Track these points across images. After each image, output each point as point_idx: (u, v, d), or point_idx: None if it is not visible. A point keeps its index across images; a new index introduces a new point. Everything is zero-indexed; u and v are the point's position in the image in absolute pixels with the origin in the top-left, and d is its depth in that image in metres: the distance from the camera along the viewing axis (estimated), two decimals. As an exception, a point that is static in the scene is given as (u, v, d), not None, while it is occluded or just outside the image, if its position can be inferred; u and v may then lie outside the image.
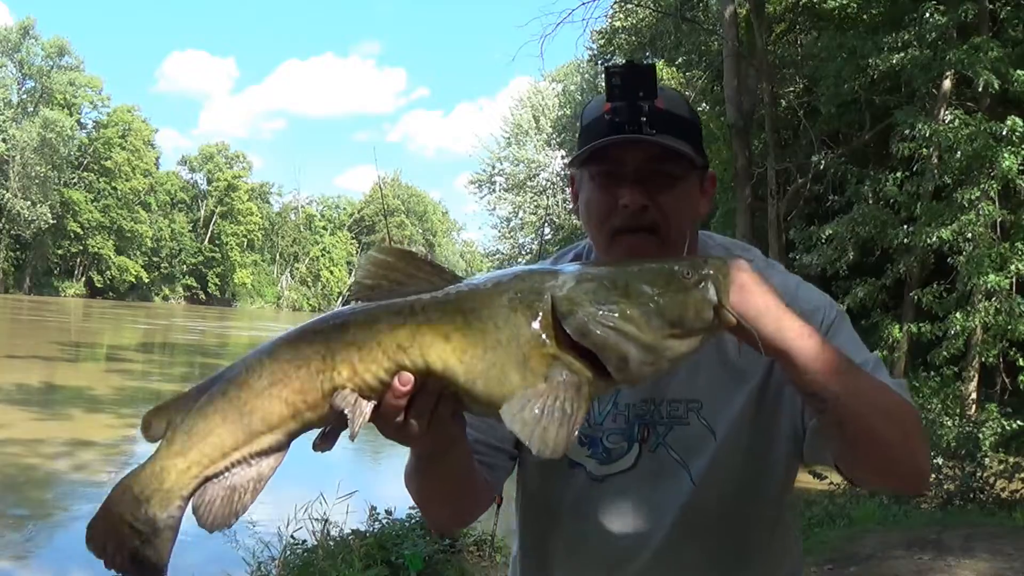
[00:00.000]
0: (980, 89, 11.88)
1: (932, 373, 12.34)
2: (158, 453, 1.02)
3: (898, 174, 12.54)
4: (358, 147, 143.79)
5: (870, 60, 13.24)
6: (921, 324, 12.46)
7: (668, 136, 1.27)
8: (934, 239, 11.69)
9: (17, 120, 61.71)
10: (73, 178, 65.43)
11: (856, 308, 12.44)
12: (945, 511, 7.98)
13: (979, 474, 8.48)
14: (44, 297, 61.12)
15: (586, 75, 35.06)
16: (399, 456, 1.31)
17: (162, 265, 74.19)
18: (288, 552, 5.77)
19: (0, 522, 7.71)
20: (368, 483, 7.97)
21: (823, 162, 14.21)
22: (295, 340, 1.02)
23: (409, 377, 0.99)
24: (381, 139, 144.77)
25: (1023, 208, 11.96)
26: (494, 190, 46.43)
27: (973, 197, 11.55)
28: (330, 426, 1.02)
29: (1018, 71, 11.56)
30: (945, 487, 8.32)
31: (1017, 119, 11.19)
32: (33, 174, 60.39)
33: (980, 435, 9.70)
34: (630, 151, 1.28)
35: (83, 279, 68.56)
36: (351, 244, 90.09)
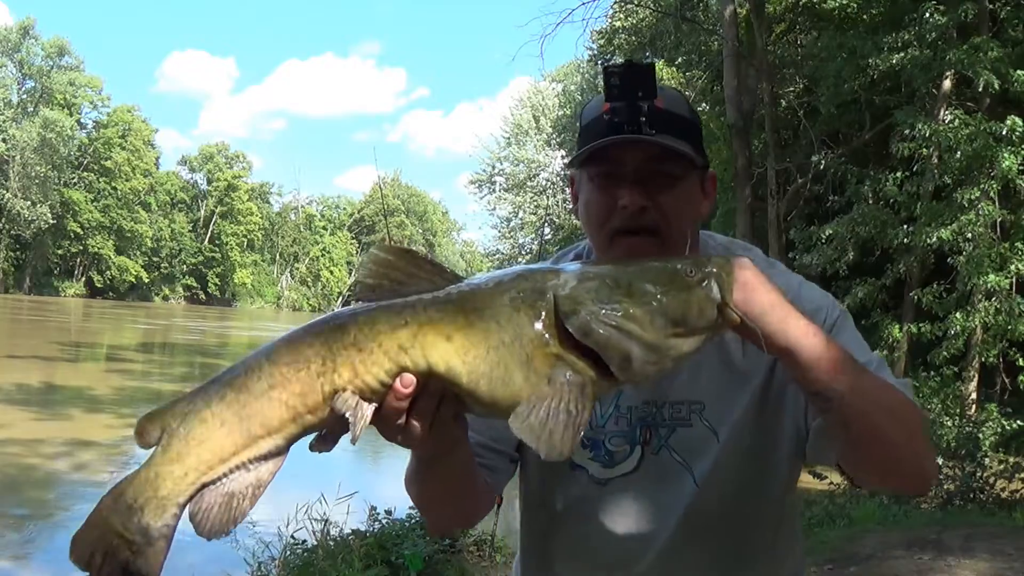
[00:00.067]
0: (980, 89, 11.88)
1: (932, 373, 12.35)
2: (153, 459, 0.99)
3: (898, 174, 12.55)
4: (358, 147, 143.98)
5: (870, 60, 13.24)
6: (921, 324, 12.46)
7: (668, 136, 1.26)
8: (934, 239, 11.69)
9: (17, 120, 61.71)
10: (73, 178, 65.42)
11: (856, 308, 12.44)
12: (945, 511, 7.98)
13: (979, 474, 8.48)
14: (44, 297, 61.11)
15: (586, 75, 35.05)
16: (399, 457, 1.31)
17: (162, 265, 74.20)
18: (288, 552, 5.78)
19: (0, 522, 7.71)
20: (368, 483, 7.97)
21: (823, 162, 14.22)
22: (295, 342, 1.00)
23: (411, 379, 0.98)
24: (381, 139, 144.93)
25: (1023, 208, 11.97)
26: (494, 190, 46.45)
27: (973, 197, 11.55)
28: (331, 429, 1.00)
29: (1018, 71, 11.56)
30: (945, 487, 8.32)
31: (1017, 119, 11.19)
32: (33, 174, 60.39)
33: (980, 435, 9.71)
34: (629, 151, 1.27)
35: (83, 279, 68.56)
36: (351, 244, 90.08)
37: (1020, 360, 12.00)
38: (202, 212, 79.43)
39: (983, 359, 12.40)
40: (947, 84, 13.04)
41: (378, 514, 6.22)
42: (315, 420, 0.99)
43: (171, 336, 36.64)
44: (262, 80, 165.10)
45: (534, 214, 43.22)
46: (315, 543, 5.84)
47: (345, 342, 0.98)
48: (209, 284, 78.55)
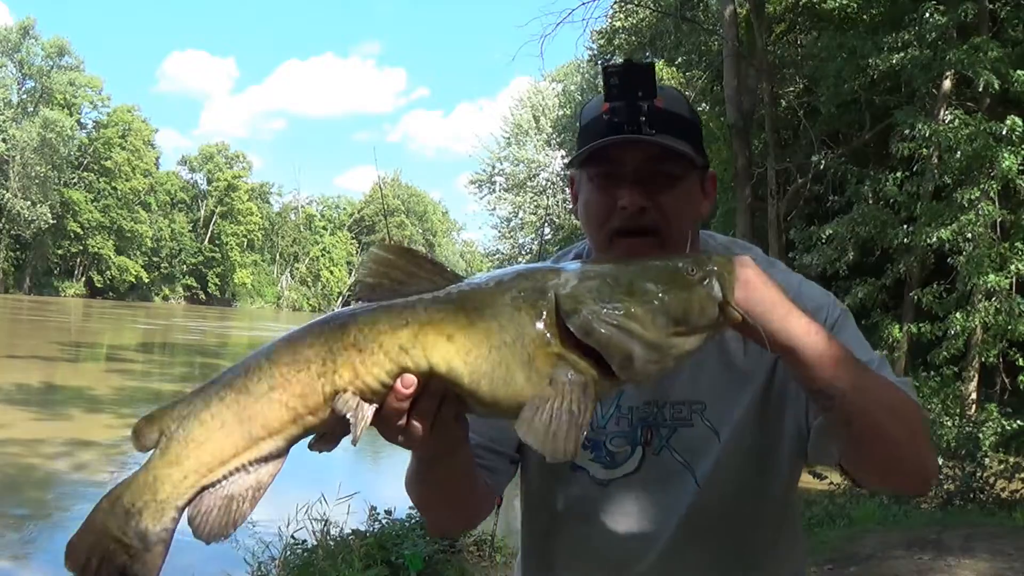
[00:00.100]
0: (980, 89, 11.88)
1: (932, 373, 12.35)
2: (151, 462, 0.98)
3: (898, 174, 12.55)
4: (358, 147, 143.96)
5: (870, 60, 13.24)
6: (921, 324, 12.46)
7: (668, 136, 1.25)
8: (934, 239, 11.69)
9: (17, 120, 61.71)
10: (73, 178, 65.43)
11: (856, 308, 12.43)
12: (945, 511, 7.98)
13: (979, 474, 8.48)
14: (44, 297, 61.12)
15: (586, 75, 35.05)
16: (399, 457, 1.31)
17: (162, 265, 74.20)
18: (288, 552, 5.78)
19: (0, 522, 7.71)
20: (368, 484, 7.97)
21: (823, 162, 14.22)
22: (295, 343, 0.99)
23: (412, 379, 0.97)
24: (381, 139, 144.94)
25: (1023, 208, 11.97)
26: (494, 190, 46.44)
27: (973, 197, 11.55)
28: (331, 430, 1.00)
29: (1018, 71, 11.56)
30: (945, 487, 8.32)
31: (1017, 119, 11.19)
32: (33, 174, 60.40)
33: (980, 435, 9.71)
34: (629, 151, 1.26)
35: (83, 279, 68.57)
36: (351, 244, 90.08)
37: (1020, 360, 12.00)
38: (202, 212, 79.44)
39: (983, 359, 12.41)
40: (947, 84, 13.04)
41: (378, 514, 6.23)
42: (316, 421, 0.98)
43: (171, 336, 36.64)
44: (262, 80, 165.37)
45: (534, 214, 43.21)
46: (315, 543, 5.84)
47: (345, 343, 0.98)
48: (209, 284, 78.56)
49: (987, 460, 8.92)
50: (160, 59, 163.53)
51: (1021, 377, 12.08)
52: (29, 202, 60.21)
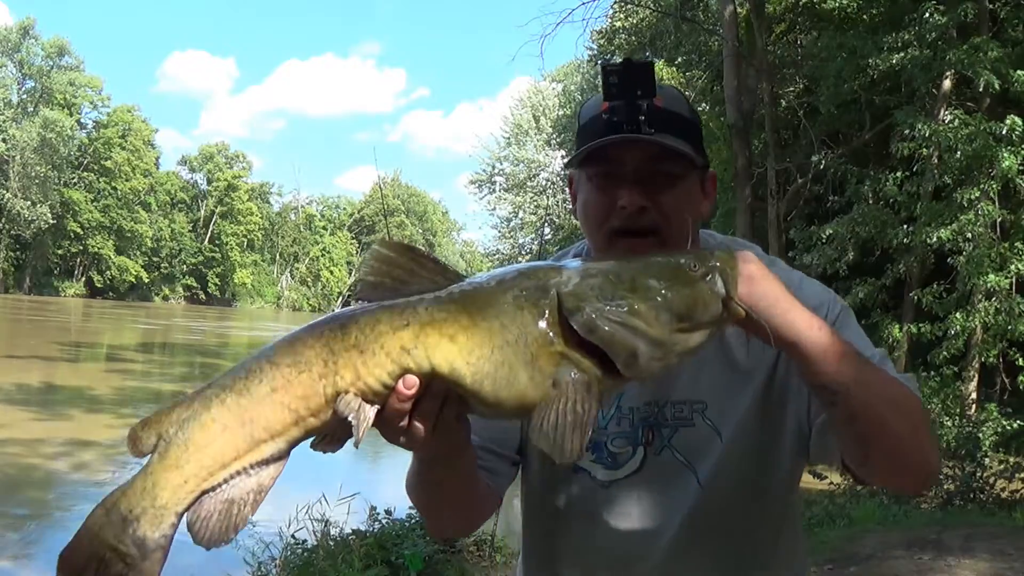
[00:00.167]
0: (980, 89, 11.88)
1: (932, 373, 12.35)
2: (150, 467, 0.96)
3: (898, 174, 12.55)
4: (358, 147, 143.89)
5: (870, 60, 13.24)
6: (921, 324, 12.46)
7: (667, 135, 1.25)
8: (934, 239, 11.69)
9: (17, 120, 61.71)
10: (73, 178, 65.43)
11: (856, 308, 12.41)
12: (945, 511, 7.98)
13: (979, 474, 8.48)
14: (44, 297, 61.12)
15: (586, 75, 35.03)
16: (399, 457, 1.30)
17: (162, 265, 74.19)
18: (288, 552, 5.78)
19: (0, 522, 7.71)
20: (368, 484, 7.97)
21: (823, 162, 14.21)
22: (296, 344, 0.98)
23: (414, 380, 0.96)
24: (381, 139, 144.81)
25: (1023, 208, 11.97)
26: (494, 190, 46.45)
27: (973, 197, 11.55)
28: (333, 432, 0.99)
29: (1018, 71, 11.56)
30: (945, 487, 8.32)
31: (1017, 119, 11.19)
32: (33, 174, 60.40)
33: (980, 435, 9.71)
34: (629, 151, 1.26)
35: (83, 279, 68.57)
36: (351, 244, 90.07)
37: (1020, 360, 12.00)
38: (202, 212, 79.43)
39: (983, 359, 12.40)
40: (947, 84, 13.04)
41: (378, 514, 6.23)
42: (317, 423, 0.98)
43: (171, 336, 36.65)
44: (262, 80, 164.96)
45: (534, 214, 43.22)
46: (315, 543, 5.84)
47: (347, 344, 0.97)
48: (209, 284, 78.55)
49: (987, 460, 8.93)
50: (160, 59, 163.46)
51: (1021, 377, 12.08)
52: (29, 202, 60.21)
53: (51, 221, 61.72)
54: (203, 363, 25.03)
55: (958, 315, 11.67)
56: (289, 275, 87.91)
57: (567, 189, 1.47)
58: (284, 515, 5.97)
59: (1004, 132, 11.26)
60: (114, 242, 68.08)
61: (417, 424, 1.00)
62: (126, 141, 69.72)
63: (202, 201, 79.88)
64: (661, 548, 1.33)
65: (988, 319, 11.58)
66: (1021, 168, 11.32)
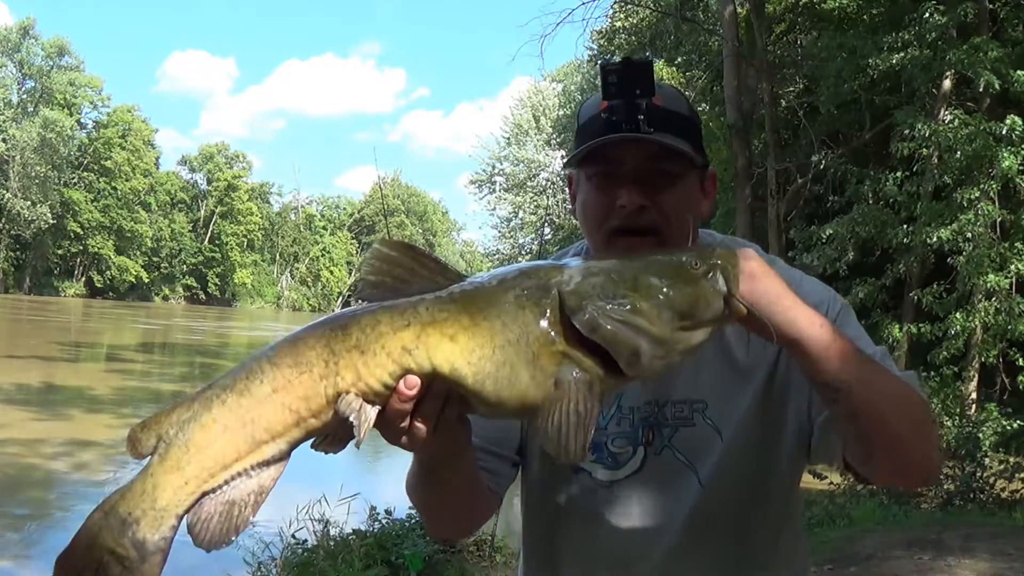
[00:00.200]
0: (980, 89, 11.87)
1: (932, 373, 12.34)
2: (150, 469, 0.95)
3: (898, 174, 12.54)
4: (358, 147, 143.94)
5: (870, 60, 13.23)
6: (921, 324, 12.45)
7: (667, 134, 1.24)
8: (934, 239, 11.68)
9: (17, 120, 61.71)
10: (73, 178, 65.44)
11: (856, 308, 12.30)
12: (945, 511, 7.98)
13: (979, 474, 8.49)
14: (44, 297, 61.12)
15: (586, 75, 35.02)
16: (399, 457, 1.30)
17: (162, 265, 74.20)
18: (288, 552, 5.78)
19: (0, 522, 7.71)
20: (368, 484, 7.98)
21: (823, 162, 14.20)
22: (297, 345, 0.98)
23: (415, 380, 0.96)
24: (381, 139, 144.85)
25: (1023, 208, 11.96)
26: (494, 190, 46.44)
27: (973, 197, 11.54)
28: (334, 433, 0.99)
29: (1018, 71, 11.55)
30: (945, 487, 8.32)
31: (1017, 119, 11.18)
32: (33, 174, 60.41)
33: (980, 435, 9.70)
34: (628, 150, 1.25)
35: (83, 279, 68.58)
36: (351, 244, 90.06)
37: (1020, 360, 11.98)
38: (202, 212, 79.43)
39: (983, 359, 12.39)
40: (947, 84, 13.03)
41: (378, 514, 6.23)
42: (318, 424, 0.97)
43: (171, 336, 36.65)
44: (262, 80, 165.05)
45: (534, 214, 43.20)
46: (315, 543, 5.84)
47: (348, 344, 0.97)
48: (209, 284, 78.54)
49: (987, 460, 8.93)
50: (160, 59, 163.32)
51: (1021, 377, 12.07)
52: (29, 202, 60.22)
53: (51, 221, 61.73)
54: (203, 363, 25.03)
55: (958, 315, 11.66)
56: (289, 275, 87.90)
57: (567, 189, 1.46)
58: (284, 515, 5.97)
59: (1004, 132, 11.25)
60: (114, 242, 68.09)
61: (418, 425, 1.00)
62: (126, 141, 69.73)
63: (202, 201, 79.88)
64: (662, 548, 1.33)
65: (988, 319, 11.57)
66: (1021, 168, 11.31)
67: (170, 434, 0.96)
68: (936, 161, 12.40)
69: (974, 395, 12.86)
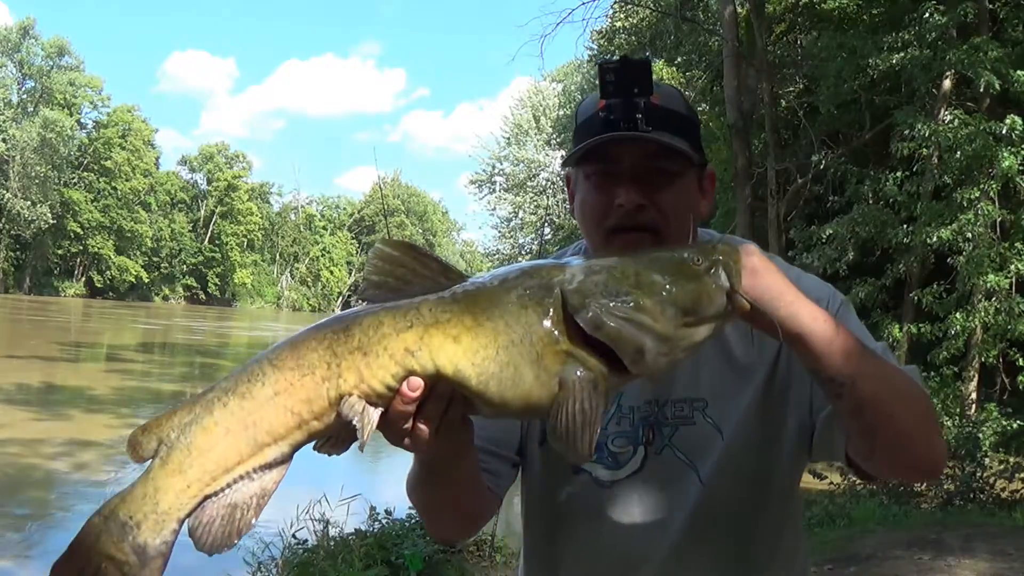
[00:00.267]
0: (980, 89, 11.87)
1: (932, 373, 12.34)
2: (151, 473, 0.94)
3: (898, 174, 12.53)
4: (358, 147, 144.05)
5: (870, 60, 13.22)
6: (921, 324, 12.45)
7: (665, 133, 1.24)
8: (934, 239, 11.68)
9: (17, 120, 61.71)
10: (73, 178, 65.44)
11: (856, 308, 12.28)
12: (945, 511, 7.98)
13: (979, 474, 8.48)
14: (44, 297, 61.12)
15: (586, 75, 35.03)
16: (399, 458, 1.30)
17: (162, 265, 74.20)
18: (289, 552, 5.78)
19: (0, 522, 7.72)
20: (368, 484, 7.98)
21: (823, 162, 14.20)
22: (298, 347, 0.97)
23: (418, 382, 0.95)
24: (381, 139, 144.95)
25: (1023, 208, 11.96)
26: (494, 190, 46.44)
27: (973, 197, 11.54)
28: (337, 435, 0.98)
29: (1018, 71, 11.55)
30: (945, 487, 8.32)
31: (1017, 119, 11.18)
32: (33, 174, 60.40)
33: (980, 435, 9.70)
34: (626, 149, 1.25)
35: (83, 279, 68.57)
36: (351, 244, 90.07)
37: (1020, 360, 11.98)
38: (202, 212, 79.42)
39: (983, 359, 12.39)
40: (947, 84, 13.02)
41: (378, 514, 6.23)
42: (321, 426, 0.97)
43: (171, 336, 36.65)
44: (262, 80, 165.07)
45: (534, 214, 43.20)
46: (315, 543, 5.84)
47: (350, 346, 0.96)
48: (209, 284, 78.54)
49: (987, 460, 8.92)
50: (160, 59, 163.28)
51: (1021, 377, 12.07)
52: (29, 202, 60.21)
53: (51, 221, 61.73)
54: (203, 363, 25.03)
55: (958, 315, 11.66)
56: (289, 275, 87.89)
57: (566, 188, 1.46)
58: (285, 515, 5.97)
59: (1004, 132, 11.25)
60: (114, 242, 68.09)
61: (421, 426, 0.99)
62: (126, 141, 69.73)
63: (202, 201, 79.87)
64: (663, 548, 1.32)
65: (988, 319, 11.57)
66: (1021, 168, 11.31)
67: (171, 437, 0.95)
68: (936, 161, 12.40)
69: (974, 395, 12.86)
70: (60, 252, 65.84)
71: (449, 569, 5.72)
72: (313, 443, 0.99)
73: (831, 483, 8.40)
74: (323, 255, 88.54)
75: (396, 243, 1.02)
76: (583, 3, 17.00)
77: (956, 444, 9.02)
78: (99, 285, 68.53)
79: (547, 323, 0.97)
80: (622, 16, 19.95)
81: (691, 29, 18.23)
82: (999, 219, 11.76)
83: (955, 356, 12.14)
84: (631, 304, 0.98)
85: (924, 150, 12.21)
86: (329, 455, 1.00)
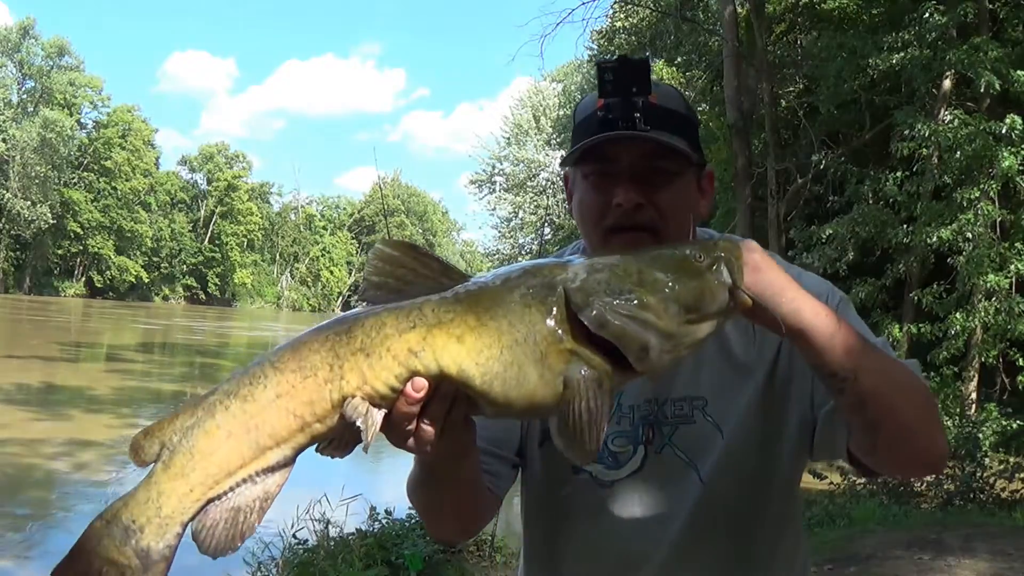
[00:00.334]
0: (980, 89, 11.87)
1: (932, 373, 12.33)
2: (154, 477, 0.94)
3: (898, 174, 12.53)
4: (358, 147, 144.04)
5: (870, 60, 13.23)
6: (921, 324, 12.44)
7: (663, 132, 1.24)
8: (934, 239, 11.68)
9: (17, 120, 61.71)
10: (73, 178, 65.43)
11: (856, 308, 12.33)
12: (945, 511, 7.98)
13: (979, 474, 8.48)
14: (44, 297, 61.11)
15: (586, 75, 35.03)
16: (399, 458, 1.30)
17: (162, 265, 74.20)
18: (289, 552, 5.78)
19: (1, 522, 7.72)
20: (368, 483, 7.97)
21: (823, 162, 14.20)
22: (300, 349, 0.96)
23: (422, 382, 0.95)
24: (381, 139, 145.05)
25: (1023, 208, 11.96)
26: (494, 190, 46.43)
27: (973, 197, 11.54)
28: (340, 437, 0.97)
29: (1018, 71, 11.55)
30: (945, 487, 8.32)
31: (1017, 118, 11.17)
32: (33, 174, 60.40)
33: (980, 435, 9.70)
34: (624, 148, 1.25)
35: (83, 279, 68.56)
36: (351, 244, 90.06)
37: (1020, 360, 11.98)
38: (202, 212, 79.41)
39: (983, 359, 12.39)
40: (947, 84, 13.03)
41: (378, 514, 6.23)
42: (324, 428, 0.96)
43: (171, 336, 36.64)
44: (262, 80, 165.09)
45: (534, 214, 43.19)
46: (316, 543, 5.84)
47: (352, 347, 0.95)
48: (209, 284, 78.52)
49: (987, 460, 8.92)
50: (160, 59, 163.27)
51: (1021, 377, 12.07)
52: (29, 202, 60.21)
53: (51, 221, 61.72)
54: (203, 363, 25.03)
55: (958, 315, 11.66)
56: (289, 275, 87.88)
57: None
58: (285, 515, 5.97)
59: (1004, 132, 11.25)
60: (114, 242, 68.08)
61: (425, 427, 0.98)
62: (126, 141, 69.73)
63: (202, 201, 79.86)
64: (663, 547, 1.32)
65: (988, 319, 11.57)
66: (1021, 168, 11.31)
67: (174, 441, 0.95)
68: (936, 161, 12.39)
69: (974, 395, 12.86)
70: (60, 252, 65.84)
71: (449, 569, 5.72)
72: (316, 446, 0.99)
73: (831, 483, 8.41)
74: (323, 255, 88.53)
75: (396, 243, 1.02)
76: (583, 3, 17.03)
77: (956, 444, 9.01)
78: (99, 285, 68.53)
79: (551, 322, 0.97)
80: (622, 16, 19.95)
81: (691, 29, 18.23)
82: (999, 219, 11.76)
83: (955, 356, 12.14)
84: (635, 302, 0.98)
85: (924, 150, 12.20)
86: (332, 457, 0.99)
